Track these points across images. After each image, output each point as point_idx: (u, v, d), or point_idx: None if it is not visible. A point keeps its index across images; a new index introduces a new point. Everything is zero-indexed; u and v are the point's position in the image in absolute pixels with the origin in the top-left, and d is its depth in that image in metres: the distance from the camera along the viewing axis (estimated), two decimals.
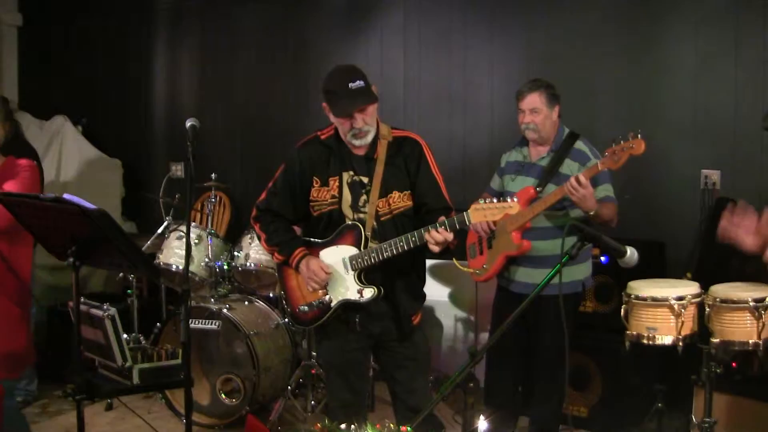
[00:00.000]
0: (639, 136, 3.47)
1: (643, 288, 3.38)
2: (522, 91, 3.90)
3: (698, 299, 3.31)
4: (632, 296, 3.37)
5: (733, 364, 3.33)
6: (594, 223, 3.64)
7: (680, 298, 3.25)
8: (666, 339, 3.29)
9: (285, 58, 6.37)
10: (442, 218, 2.90)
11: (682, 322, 3.25)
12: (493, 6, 5.48)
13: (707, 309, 3.29)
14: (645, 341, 3.32)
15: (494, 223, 3.71)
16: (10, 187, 3.32)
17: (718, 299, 3.24)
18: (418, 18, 5.78)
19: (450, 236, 2.87)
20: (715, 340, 3.23)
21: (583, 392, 4.45)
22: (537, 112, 3.83)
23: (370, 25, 5.98)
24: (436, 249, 2.89)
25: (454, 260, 4.11)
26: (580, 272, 3.86)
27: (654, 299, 3.29)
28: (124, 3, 7.12)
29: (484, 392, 4.04)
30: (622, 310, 3.39)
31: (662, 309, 3.29)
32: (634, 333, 3.35)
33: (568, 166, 3.80)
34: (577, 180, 3.51)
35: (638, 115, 4.92)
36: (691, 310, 3.28)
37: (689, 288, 3.34)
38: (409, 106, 5.84)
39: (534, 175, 3.86)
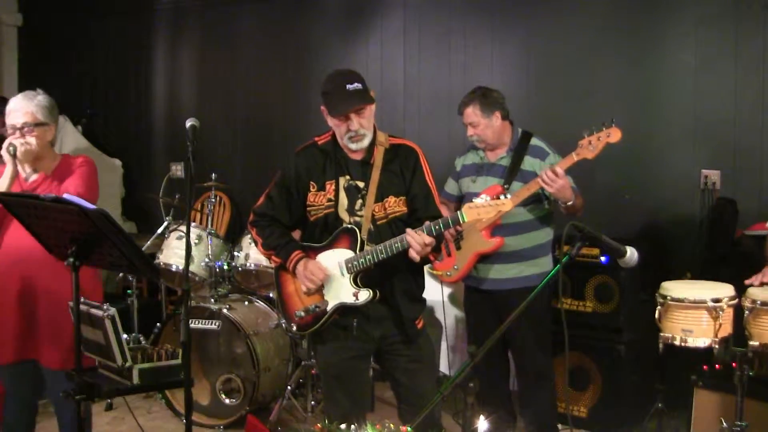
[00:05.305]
0: (614, 124, 3.49)
1: (678, 289, 3.33)
2: (459, 106, 3.98)
3: (734, 301, 3.27)
4: (668, 297, 3.31)
5: (733, 364, 3.31)
6: (566, 213, 3.74)
7: (717, 300, 3.20)
8: (701, 341, 3.24)
9: (285, 59, 6.37)
10: (427, 223, 2.89)
11: (720, 325, 3.20)
12: (493, 8, 5.48)
13: (746, 312, 3.24)
14: (679, 343, 3.28)
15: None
16: (73, 183, 3.37)
17: (758, 302, 3.19)
18: (419, 19, 5.78)
19: (427, 239, 2.85)
20: (755, 343, 3.18)
21: (583, 392, 4.45)
22: (474, 124, 3.91)
23: (371, 27, 5.98)
24: (414, 255, 2.88)
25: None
26: (548, 263, 3.95)
27: (691, 301, 3.24)
28: (124, 3, 7.12)
29: (476, 395, 4.05)
30: (657, 312, 3.33)
31: (699, 311, 3.23)
32: (669, 335, 3.30)
33: (530, 162, 3.87)
34: (554, 171, 3.54)
35: (638, 115, 4.92)
36: (729, 313, 3.23)
37: (725, 290, 3.29)
38: (409, 107, 5.84)
39: (497, 175, 3.91)
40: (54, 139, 3.54)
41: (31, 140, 3.38)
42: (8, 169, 3.37)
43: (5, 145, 3.38)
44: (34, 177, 3.43)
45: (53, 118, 3.50)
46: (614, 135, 3.51)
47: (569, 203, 3.67)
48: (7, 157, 3.36)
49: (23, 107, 3.41)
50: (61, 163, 3.51)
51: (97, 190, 3.49)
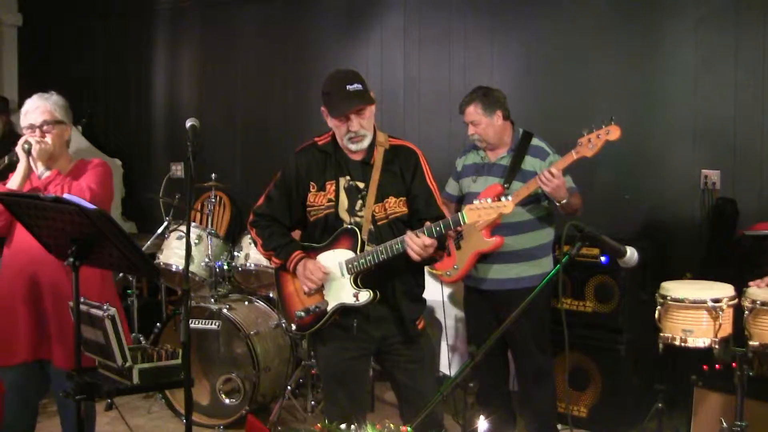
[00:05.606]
0: (613, 121, 3.50)
1: (678, 289, 3.34)
2: (461, 105, 3.99)
3: (734, 302, 3.29)
4: (668, 297, 3.33)
5: (733, 364, 3.32)
6: (564, 213, 3.78)
7: (717, 300, 3.22)
8: (701, 341, 3.26)
9: (285, 59, 6.37)
10: (428, 224, 2.88)
11: (720, 325, 3.22)
12: (493, 8, 5.48)
13: (745, 312, 3.26)
14: (679, 343, 3.29)
15: None
16: (86, 179, 3.38)
17: (758, 302, 3.20)
18: (419, 19, 5.78)
19: (427, 240, 2.85)
20: (754, 343, 3.20)
21: (583, 392, 4.45)
22: (476, 123, 3.93)
23: (371, 26, 5.98)
24: (415, 256, 2.88)
25: None
26: (549, 264, 3.96)
27: (691, 301, 3.26)
28: (124, 3, 7.12)
29: (476, 395, 4.05)
30: (657, 312, 3.34)
31: (699, 311, 3.25)
32: (669, 335, 3.31)
33: (530, 162, 3.89)
34: (551, 172, 3.59)
35: (638, 115, 4.92)
36: (729, 313, 3.25)
37: (725, 290, 3.31)
38: (409, 106, 5.84)
39: (497, 174, 3.93)
40: (69, 140, 3.53)
41: (48, 139, 3.38)
42: (21, 167, 3.37)
43: (20, 142, 3.38)
44: (47, 174, 3.42)
45: (69, 117, 3.51)
46: (614, 133, 3.52)
47: (563, 202, 3.70)
48: (21, 154, 3.36)
49: (41, 106, 3.41)
50: (76, 165, 3.50)
51: (111, 190, 3.50)
